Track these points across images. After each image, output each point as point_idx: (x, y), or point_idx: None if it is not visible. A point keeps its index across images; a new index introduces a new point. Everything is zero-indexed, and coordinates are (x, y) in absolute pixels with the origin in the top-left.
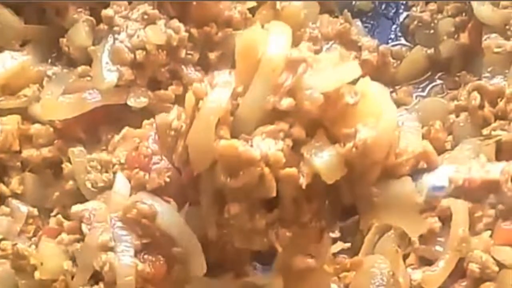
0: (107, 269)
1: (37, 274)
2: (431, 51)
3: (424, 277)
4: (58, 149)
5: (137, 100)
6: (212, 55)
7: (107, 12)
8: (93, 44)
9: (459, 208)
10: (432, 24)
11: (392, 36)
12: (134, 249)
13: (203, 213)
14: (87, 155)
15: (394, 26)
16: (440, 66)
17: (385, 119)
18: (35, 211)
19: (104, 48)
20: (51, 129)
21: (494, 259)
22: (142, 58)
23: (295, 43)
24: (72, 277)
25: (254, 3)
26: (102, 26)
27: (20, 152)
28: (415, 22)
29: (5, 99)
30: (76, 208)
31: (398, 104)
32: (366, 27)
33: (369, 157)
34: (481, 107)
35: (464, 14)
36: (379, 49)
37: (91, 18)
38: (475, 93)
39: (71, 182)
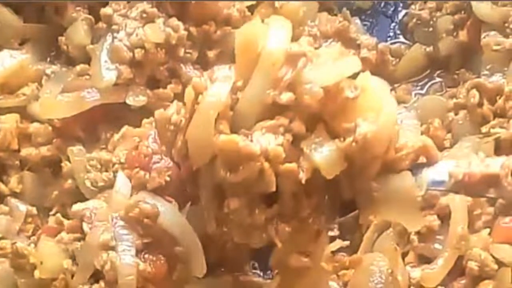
0: (108, 268)
1: (36, 273)
2: (430, 49)
3: (423, 275)
4: (57, 148)
5: (136, 99)
6: (211, 54)
7: (106, 10)
8: (92, 43)
9: (458, 206)
10: (431, 22)
11: (391, 34)
12: (135, 249)
13: (203, 208)
14: (86, 154)
15: (393, 24)
16: (439, 64)
17: (385, 114)
18: (34, 210)
19: (103, 47)
20: (50, 128)
21: (493, 257)
22: (141, 56)
23: (294, 41)
24: (72, 276)
25: (253, 2)
26: (101, 24)
27: (19, 151)
28: (414, 20)
29: (4, 97)
30: (77, 207)
31: (397, 102)
32: (365, 25)
33: (369, 152)
34: (480, 105)
35: (463, 12)
36: (378, 47)
37: (90, 16)
38: (474, 91)
39: (70, 181)
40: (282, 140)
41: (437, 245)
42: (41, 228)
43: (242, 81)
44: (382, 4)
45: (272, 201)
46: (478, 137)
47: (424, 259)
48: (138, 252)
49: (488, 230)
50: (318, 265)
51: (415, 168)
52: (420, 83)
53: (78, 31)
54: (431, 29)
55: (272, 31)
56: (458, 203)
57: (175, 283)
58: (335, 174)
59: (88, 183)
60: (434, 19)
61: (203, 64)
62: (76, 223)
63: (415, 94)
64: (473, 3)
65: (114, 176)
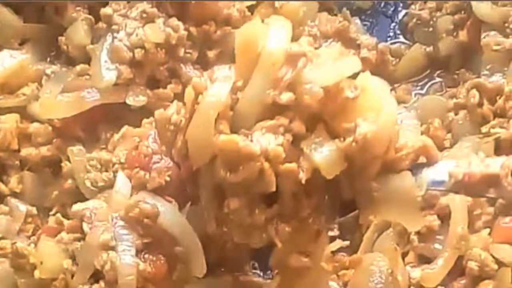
0: (108, 268)
1: (36, 273)
2: (430, 49)
3: (423, 275)
4: (57, 148)
5: (136, 99)
6: (211, 54)
7: (106, 10)
8: (92, 43)
9: (458, 206)
10: (431, 22)
11: (391, 34)
12: (135, 249)
13: (203, 208)
14: (86, 154)
15: (393, 24)
16: (439, 64)
17: (385, 114)
18: (34, 210)
19: (103, 47)
20: (50, 128)
21: (493, 257)
22: (141, 56)
23: (294, 41)
24: (72, 276)
25: (253, 2)
26: (101, 24)
27: (19, 151)
28: (414, 20)
29: (4, 97)
30: (77, 207)
31: (397, 102)
32: (365, 25)
33: (369, 152)
34: (480, 105)
35: (463, 12)
36: (378, 47)
37: (90, 16)
38: (474, 91)
39: (70, 181)
40: (282, 140)
41: (437, 245)
42: (41, 228)
43: (242, 81)
44: (382, 4)
45: (272, 201)
46: (478, 137)
47: (424, 259)
48: (138, 252)
49: (488, 230)
50: (318, 265)
51: (415, 168)
52: (420, 83)
53: (78, 31)
54: (431, 29)
55: (272, 31)
56: (458, 203)
57: (175, 283)
58: (335, 174)
59: (88, 183)
60: (434, 19)
61: (203, 64)
62: (76, 223)
63: (415, 94)
64: (473, 3)
65: (114, 176)
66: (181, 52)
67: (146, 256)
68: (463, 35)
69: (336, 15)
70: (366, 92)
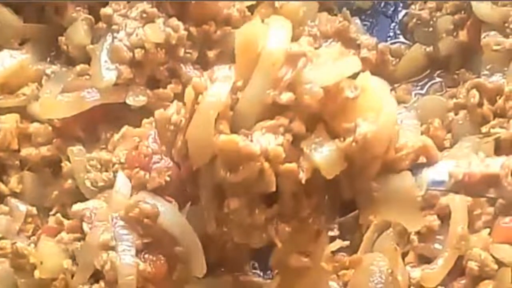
0: (108, 268)
1: (36, 273)
2: (430, 49)
3: (423, 275)
4: (57, 148)
5: (136, 99)
6: (211, 54)
7: (106, 10)
8: (92, 43)
9: (458, 206)
10: (431, 22)
11: (391, 34)
12: (135, 249)
13: (203, 208)
14: (86, 154)
15: (393, 24)
16: (439, 64)
17: (385, 114)
18: (34, 210)
19: (103, 47)
20: (50, 128)
21: (493, 257)
22: (141, 56)
23: (294, 41)
24: (72, 276)
25: (253, 2)
26: (101, 24)
27: (19, 151)
28: (414, 20)
29: (4, 97)
30: (77, 207)
31: (397, 102)
32: (365, 25)
33: (369, 152)
34: (480, 105)
35: (463, 12)
36: (378, 47)
37: (90, 16)
38: (474, 91)
39: (70, 181)
40: (282, 140)
41: (437, 245)
42: (41, 228)
43: (242, 81)
44: (382, 4)
45: (272, 201)
46: (478, 137)
47: (424, 259)
48: (138, 252)
49: (488, 230)
50: (318, 265)
51: (415, 168)
52: (420, 83)
53: (78, 31)
54: (431, 29)
55: (272, 31)
56: (458, 203)
57: (175, 283)
58: (335, 174)
59: (88, 183)
60: (434, 19)
61: (203, 64)
62: (76, 223)
63: (415, 94)
64: (473, 3)
65: (114, 176)
66: (181, 52)
67: (146, 256)
68: (463, 35)
69: (336, 15)
70: (366, 92)
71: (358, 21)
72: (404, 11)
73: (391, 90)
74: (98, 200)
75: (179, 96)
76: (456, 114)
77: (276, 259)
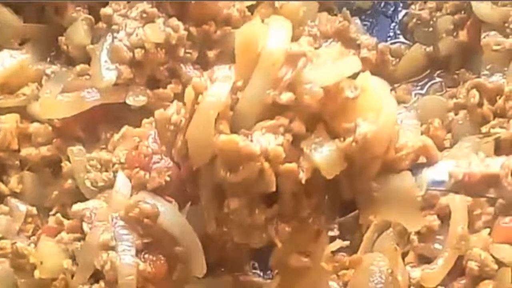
0: (108, 268)
1: (36, 273)
2: (430, 49)
3: (423, 275)
4: (57, 148)
5: (136, 99)
6: (211, 54)
7: (106, 10)
8: (92, 43)
9: (458, 206)
10: (431, 22)
11: (391, 34)
12: (135, 249)
13: (203, 208)
14: (86, 154)
15: (393, 24)
16: (439, 64)
17: (385, 114)
18: (34, 210)
19: (103, 47)
20: (50, 128)
21: (493, 257)
22: (141, 56)
23: (294, 41)
24: (72, 276)
25: (253, 2)
26: (101, 24)
27: (19, 151)
28: (414, 20)
29: (4, 97)
30: (77, 207)
31: (397, 102)
32: (365, 25)
33: (369, 152)
34: (480, 105)
35: (463, 12)
36: (378, 47)
37: (90, 16)
38: (474, 91)
39: (70, 181)
40: (282, 140)
41: (437, 245)
42: (41, 228)
43: (242, 81)
44: (382, 4)
45: (272, 201)
46: (478, 137)
47: (424, 259)
48: (138, 252)
49: (488, 230)
50: (318, 265)
51: (415, 168)
52: (420, 83)
53: (78, 31)
54: (431, 29)
55: (272, 31)
56: (458, 203)
57: (175, 283)
58: (335, 174)
59: (88, 183)
60: (434, 19)
61: (203, 64)
62: (76, 223)
63: (415, 94)
64: (473, 3)
65: (114, 176)
66: (181, 52)
67: (146, 256)
68: (463, 35)
69: (336, 15)
70: (366, 92)
71: (358, 21)
72: (404, 11)
73: (391, 90)
74: (98, 200)
75: (179, 96)
76: (456, 114)
77: (276, 259)
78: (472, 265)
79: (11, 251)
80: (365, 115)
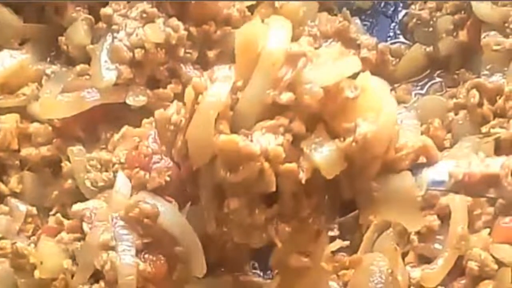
0: (108, 268)
1: (36, 273)
2: (430, 49)
3: (423, 275)
4: (57, 148)
5: (136, 99)
6: (211, 54)
7: (106, 10)
8: (92, 43)
9: (458, 206)
10: (431, 22)
11: (391, 34)
12: (135, 249)
13: (203, 207)
14: (86, 154)
15: (393, 24)
16: (439, 64)
17: (385, 114)
18: (34, 210)
19: (103, 47)
20: (50, 128)
21: (493, 257)
22: (141, 56)
23: (294, 41)
24: (72, 276)
25: (253, 2)
26: (101, 24)
27: (19, 151)
28: (414, 20)
29: (4, 97)
30: (77, 207)
31: (397, 102)
32: (365, 25)
33: (369, 152)
34: (480, 105)
35: (463, 12)
36: (378, 47)
37: (90, 16)
38: (474, 91)
39: (70, 181)
40: (282, 140)
41: (437, 245)
42: (41, 228)
43: (242, 81)
44: (382, 4)
45: (272, 201)
46: (478, 137)
47: (424, 259)
48: (138, 252)
49: (488, 230)
50: (318, 265)
51: (415, 168)
52: (420, 83)
53: (78, 31)
54: (431, 29)
55: (272, 31)
56: (458, 203)
57: (175, 283)
58: (335, 174)
59: (88, 183)
60: (434, 19)
61: (203, 64)
62: (76, 223)
63: (415, 94)
64: (473, 3)
65: (114, 176)
66: (181, 52)
67: (146, 256)
68: (463, 35)
69: (336, 15)
70: (366, 92)
71: (358, 21)
72: (404, 11)
73: (391, 90)
74: (98, 200)
75: (179, 96)
76: (456, 114)
77: (276, 259)
78: (472, 265)
79: (11, 251)
80: (365, 115)
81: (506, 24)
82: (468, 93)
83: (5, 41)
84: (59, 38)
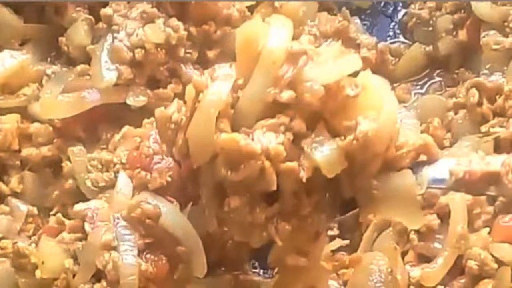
0: (110, 268)
1: (38, 273)
2: (429, 48)
3: (422, 274)
4: (57, 148)
5: (136, 99)
6: (211, 54)
7: (106, 11)
8: (92, 43)
9: (458, 205)
10: (431, 22)
11: (391, 34)
12: (137, 249)
13: (204, 206)
14: (87, 154)
15: (392, 24)
16: (438, 63)
17: (386, 112)
18: (34, 210)
19: (103, 47)
20: (51, 128)
21: (493, 256)
22: (141, 57)
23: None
24: (74, 276)
25: (253, 2)
26: (101, 25)
27: (19, 151)
28: (414, 20)
29: (5, 98)
30: (78, 207)
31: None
32: (364, 24)
33: (370, 150)
34: (480, 104)
35: (462, 11)
36: (377, 46)
37: (90, 17)
38: (474, 90)
39: (70, 181)
40: (283, 138)
41: (436, 244)
42: (41, 228)
43: (242, 79)
44: (382, 4)
45: (273, 199)
46: (477, 136)
47: (424, 258)
48: (140, 252)
49: (487, 229)
50: (316, 264)
51: (416, 166)
52: (419, 83)
53: (79, 31)
54: (430, 28)
55: (273, 30)
56: (457, 202)
57: (176, 283)
58: (335, 173)
59: (89, 183)
60: (434, 18)
61: (203, 64)
62: (78, 223)
63: (415, 94)
64: (473, 3)
65: (115, 176)
66: (181, 52)
67: (148, 256)
68: (462, 34)
69: (336, 15)
70: (367, 90)
71: (357, 20)
72: (403, 11)
73: (390, 89)
74: (99, 200)
75: (180, 96)
76: (455, 113)
77: (274, 256)
78: (472, 264)
79: (12, 251)
80: (366, 113)
81: (506, 24)
82: (467, 93)
83: (6, 42)
84: (60, 38)
